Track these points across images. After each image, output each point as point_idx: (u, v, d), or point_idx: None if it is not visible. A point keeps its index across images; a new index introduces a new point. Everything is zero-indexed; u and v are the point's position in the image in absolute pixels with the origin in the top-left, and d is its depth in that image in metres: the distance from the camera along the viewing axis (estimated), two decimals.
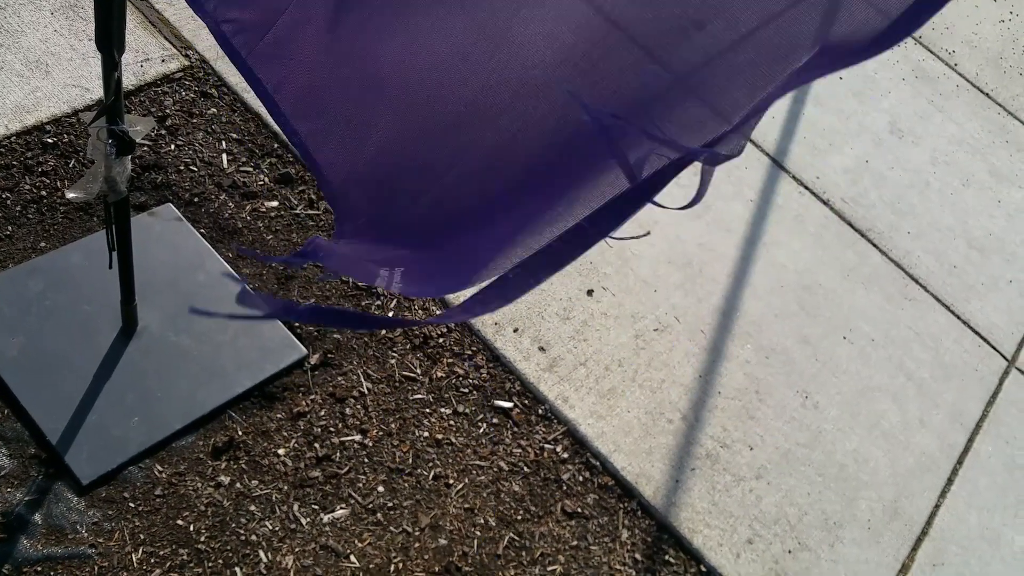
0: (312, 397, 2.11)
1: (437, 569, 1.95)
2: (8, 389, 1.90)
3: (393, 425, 2.13)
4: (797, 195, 3.11)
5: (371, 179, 1.13)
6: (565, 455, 2.21)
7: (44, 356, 1.96)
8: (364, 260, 1.08)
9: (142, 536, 1.82)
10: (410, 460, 2.09)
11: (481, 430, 2.19)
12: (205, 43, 2.69)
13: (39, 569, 1.73)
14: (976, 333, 2.93)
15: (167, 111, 2.51)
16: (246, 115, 2.59)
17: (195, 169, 2.42)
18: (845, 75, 3.60)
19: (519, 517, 2.08)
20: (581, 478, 2.19)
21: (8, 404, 1.90)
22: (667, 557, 2.13)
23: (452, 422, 2.18)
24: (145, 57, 2.59)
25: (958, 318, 2.95)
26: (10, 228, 2.16)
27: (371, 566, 1.92)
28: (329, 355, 2.19)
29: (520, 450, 2.19)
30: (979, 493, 2.54)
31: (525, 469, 2.16)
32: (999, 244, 3.26)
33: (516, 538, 2.05)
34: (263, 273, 2.29)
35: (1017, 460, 2.66)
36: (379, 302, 2.33)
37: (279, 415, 2.06)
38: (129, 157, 1.51)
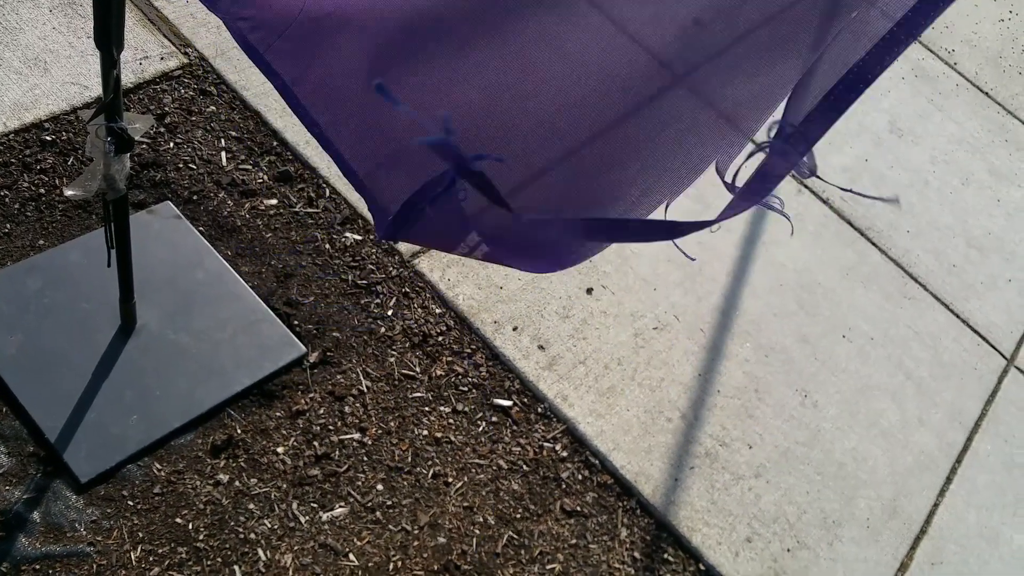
0: (311, 395, 2.11)
1: (436, 567, 1.95)
2: (6, 387, 1.90)
3: (392, 423, 2.13)
4: (796, 194, 3.11)
5: (407, 162, 1.14)
6: (564, 453, 2.21)
7: (43, 354, 1.95)
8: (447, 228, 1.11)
9: (141, 534, 1.82)
10: (409, 458, 2.09)
11: (480, 428, 2.19)
12: (204, 41, 2.69)
13: (37, 567, 1.72)
14: (975, 332, 2.93)
15: (166, 109, 2.50)
16: (245, 113, 2.58)
17: (194, 167, 2.42)
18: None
19: (518, 515, 2.08)
20: (580, 476, 2.19)
21: (6, 402, 1.89)
22: (666, 555, 2.13)
23: (451, 420, 2.18)
24: (144, 55, 2.59)
25: (957, 317, 2.95)
26: (8, 226, 2.15)
27: (370, 564, 1.91)
28: (328, 353, 2.19)
29: (519, 448, 2.19)
30: (978, 492, 2.54)
31: (524, 467, 2.16)
32: (998, 243, 3.26)
33: (515, 536, 2.05)
34: (262, 271, 2.29)
35: (1016, 459, 2.66)
36: (378, 300, 2.32)
37: (278, 413, 2.06)
38: (128, 155, 1.50)
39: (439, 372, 2.25)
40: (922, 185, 3.35)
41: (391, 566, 1.92)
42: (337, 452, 2.04)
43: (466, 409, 2.21)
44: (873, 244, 3.05)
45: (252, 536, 1.88)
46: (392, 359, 2.23)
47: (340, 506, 1.98)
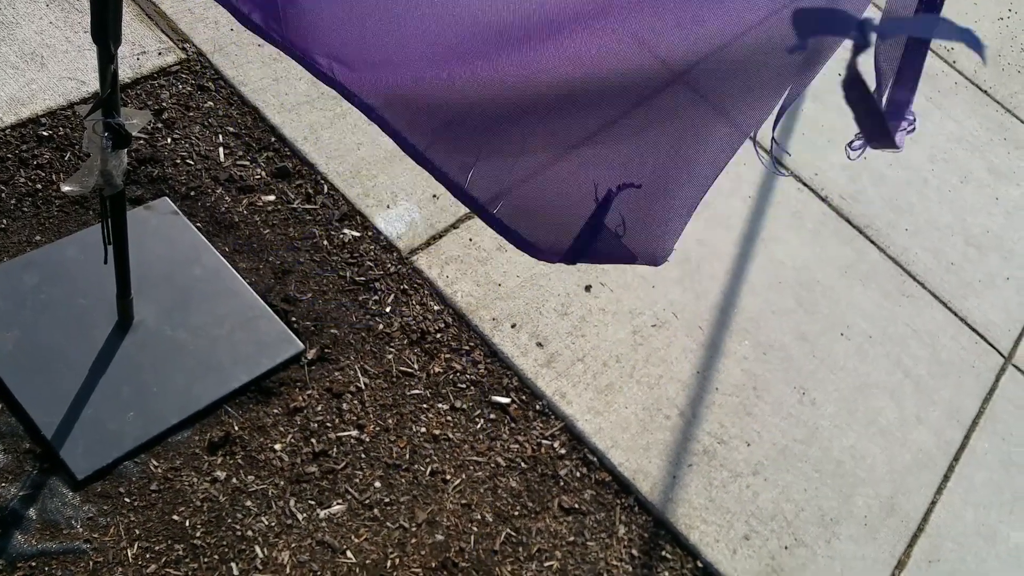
0: (309, 392, 2.10)
1: (434, 565, 1.95)
2: (3, 384, 1.89)
3: (390, 420, 2.12)
4: (795, 192, 3.10)
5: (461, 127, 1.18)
6: (562, 451, 2.21)
7: (39, 350, 1.95)
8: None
9: (137, 531, 1.81)
10: (407, 456, 2.08)
11: (478, 426, 2.18)
12: (202, 36, 2.68)
13: (33, 564, 1.72)
14: (973, 330, 2.93)
15: (163, 104, 2.49)
16: (243, 109, 2.57)
17: (191, 163, 2.41)
18: (843, 71, 3.59)
19: (516, 513, 2.08)
20: (578, 474, 2.19)
21: (3, 399, 1.89)
22: (664, 553, 2.13)
23: (449, 418, 2.17)
24: (141, 50, 2.58)
25: (955, 315, 2.95)
26: (5, 221, 2.14)
27: (368, 562, 1.91)
28: (326, 350, 2.18)
29: (517, 446, 2.18)
30: (975, 490, 2.54)
31: (522, 465, 2.16)
32: (997, 241, 3.26)
33: (513, 534, 2.05)
34: (259, 267, 2.28)
35: (1013, 457, 2.66)
36: (376, 297, 2.32)
37: (275, 410, 2.05)
38: (125, 150, 1.49)
39: (437, 369, 2.24)
40: (921, 183, 3.35)
41: (389, 563, 1.92)
42: (335, 449, 2.04)
43: (464, 406, 2.20)
44: (872, 242, 3.05)
45: (249, 533, 1.88)
46: (390, 356, 2.23)
47: (338, 503, 1.97)
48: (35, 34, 2.49)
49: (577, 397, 2.31)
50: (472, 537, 2.02)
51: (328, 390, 2.12)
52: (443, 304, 2.36)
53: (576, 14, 1.08)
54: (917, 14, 1.02)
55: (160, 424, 1.93)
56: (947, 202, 3.32)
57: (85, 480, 1.83)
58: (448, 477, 2.08)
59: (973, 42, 0.76)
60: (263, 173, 2.46)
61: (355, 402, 2.12)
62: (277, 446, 2.00)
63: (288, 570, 1.85)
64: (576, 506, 2.13)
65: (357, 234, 2.43)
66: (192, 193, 2.35)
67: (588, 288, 2.54)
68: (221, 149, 2.47)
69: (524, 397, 2.27)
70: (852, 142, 1.03)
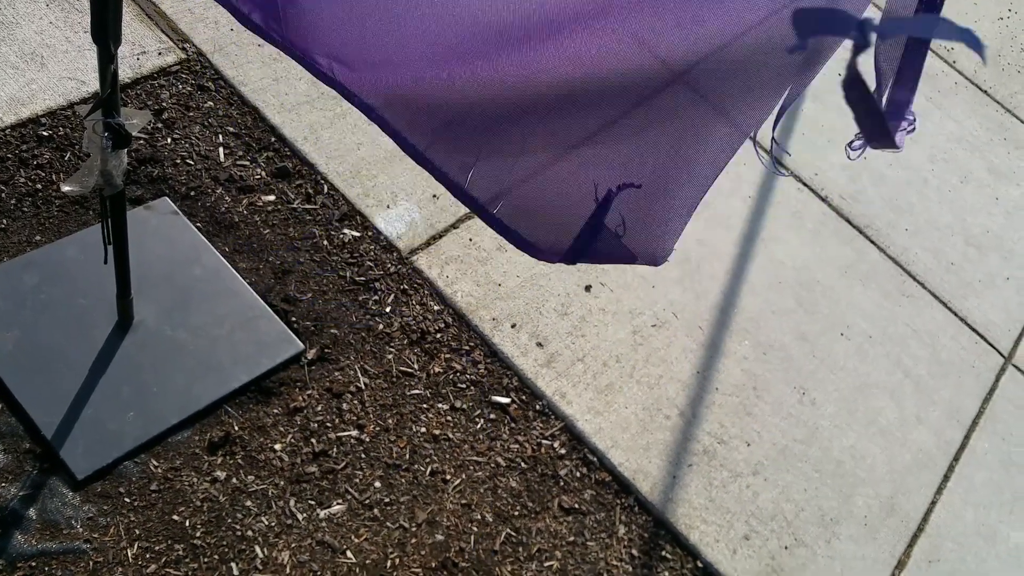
0: (309, 392, 2.10)
1: (434, 565, 1.95)
2: (3, 384, 1.89)
3: (390, 420, 2.12)
4: (795, 192, 3.10)
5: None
6: (562, 451, 2.21)
7: (39, 350, 1.95)
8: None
9: (137, 531, 1.81)
10: (407, 456, 2.08)
11: (478, 426, 2.18)
12: (202, 36, 2.68)
13: (33, 564, 1.72)
14: (973, 330, 2.93)
15: (164, 104, 2.49)
16: (243, 109, 2.57)
17: (191, 163, 2.41)
18: (843, 71, 3.59)
19: (516, 513, 2.08)
20: (578, 474, 2.19)
21: (3, 399, 1.89)
22: (664, 553, 2.13)
23: (449, 418, 2.17)
24: (142, 50, 2.58)
25: (955, 315, 2.95)
26: (5, 221, 2.14)
27: (368, 562, 1.91)
28: (326, 350, 2.18)
29: (517, 446, 2.18)
30: (975, 490, 2.54)
31: (522, 465, 2.16)
32: (997, 241, 3.26)
33: (513, 534, 2.05)
34: (259, 267, 2.28)
35: (1013, 457, 2.66)
36: (376, 297, 2.32)
37: (275, 410, 2.05)
38: (125, 150, 1.49)
39: (437, 369, 2.24)
40: (921, 183, 3.35)
41: (389, 563, 1.92)
42: (335, 449, 2.04)
43: (464, 406, 2.20)
44: (872, 242, 3.05)
45: (249, 533, 1.88)
46: (390, 356, 2.23)
47: (338, 503, 1.97)
48: (35, 34, 2.49)
49: (577, 397, 2.30)
50: (472, 537, 2.02)
51: (328, 390, 2.12)
52: (443, 304, 2.36)
53: (576, 14, 1.08)
54: (917, 14, 1.02)
55: (160, 424, 1.93)
56: (947, 202, 3.32)
57: (85, 480, 1.83)
58: (448, 477, 2.08)
59: (973, 42, 0.76)
60: (263, 173, 2.46)
61: (355, 402, 2.12)
62: (277, 446, 2.00)
63: (288, 570, 1.85)
64: (576, 506, 2.13)
65: (357, 234, 2.43)
66: (192, 193, 2.35)
67: (588, 288, 2.54)
68: (221, 149, 2.47)
69: (524, 397, 2.27)
70: (852, 142, 1.03)
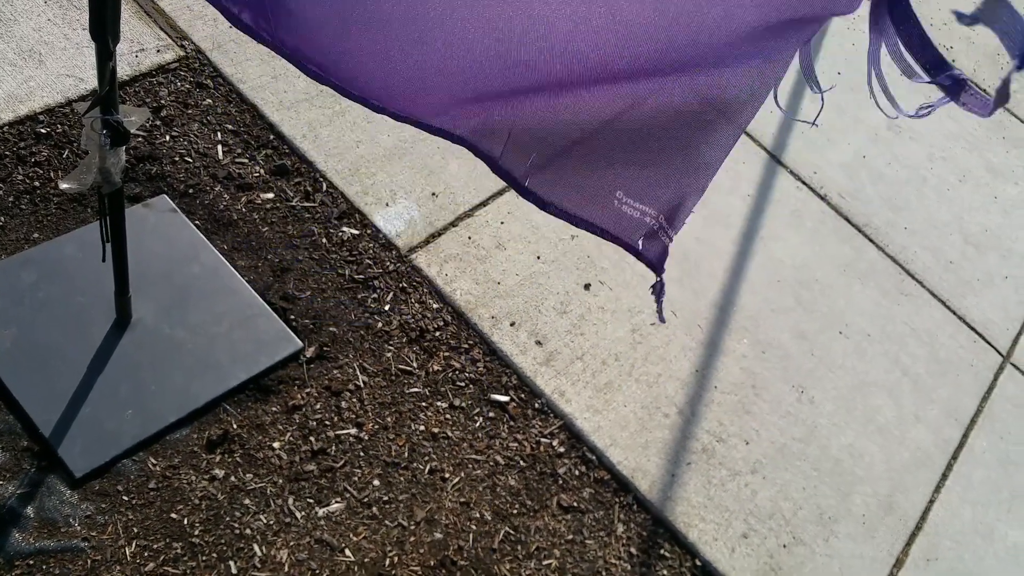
0: (307, 390, 2.10)
1: (432, 563, 1.95)
2: (0, 381, 1.89)
3: (389, 419, 2.12)
4: (795, 190, 3.10)
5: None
6: (561, 449, 2.21)
7: (37, 348, 1.94)
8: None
9: (135, 529, 1.81)
10: (406, 454, 2.08)
11: (477, 424, 2.18)
12: (201, 33, 2.67)
13: (31, 562, 1.72)
14: (972, 329, 2.94)
15: (162, 102, 2.49)
16: (242, 106, 2.57)
17: (190, 160, 2.41)
18: (843, 69, 3.60)
19: (515, 511, 2.08)
20: (577, 472, 2.19)
21: (0, 396, 1.88)
22: (662, 551, 2.13)
23: (448, 416, 2.17)
24: (140, 47, 2.57)
25: (954, 314, 2.95)
26: (3, 219, 2.14)
27: (366, 560, 1.91)
28: (325, 348, 2.18)
29: (516, 444, 2.18)
30: (973, 488, 2.54)
31: (521, 463, 2.16)
32: (995, 240, 3.26)
33: (512, 532, 2.05)
34: (258, 265, 2.28)
35: (1011, 455, 2.66)
36: (375, 295, 2.32)
37: (274, 408, 2.05)
38: (123, 148, 1.49)
39: (436, 367, 2.24)
40: (920, 182, 3.35)
41: (387, 561, 1.92)
42: (333, 447, 2.04)
43: (463, 404, 2.20)
44: (871, 240, 3.05)
45: (248, 531, 1.87)
46: (389, 354, 2.22)
47: (336, 501, 1.97)
48: (33, 31, 2.48)
49: (576, 395, 2.30)
50: (471, 535, 2.01)
51: (327, 388, 2.12)
52: (442, 302, 2.36)
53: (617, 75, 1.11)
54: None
55: (158, 422, 1.93)
56: (946, 200, 3.33)
57: (83, 478, 1.83)
58: (447, 475, 2.08)
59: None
60: (262, 171, 2.46)
61: (354, 400, 2.12)
62: (276, 444, 2.00)
63: (287, 568, 1.85)
64: (575, 504, 2.13)
65: (356, 232, 2.43)
66: (190, 191, 2.35)
67: (587, 287, 2.54)
68: (220, 147, 2.46)
69: (523, 395, 2.26)
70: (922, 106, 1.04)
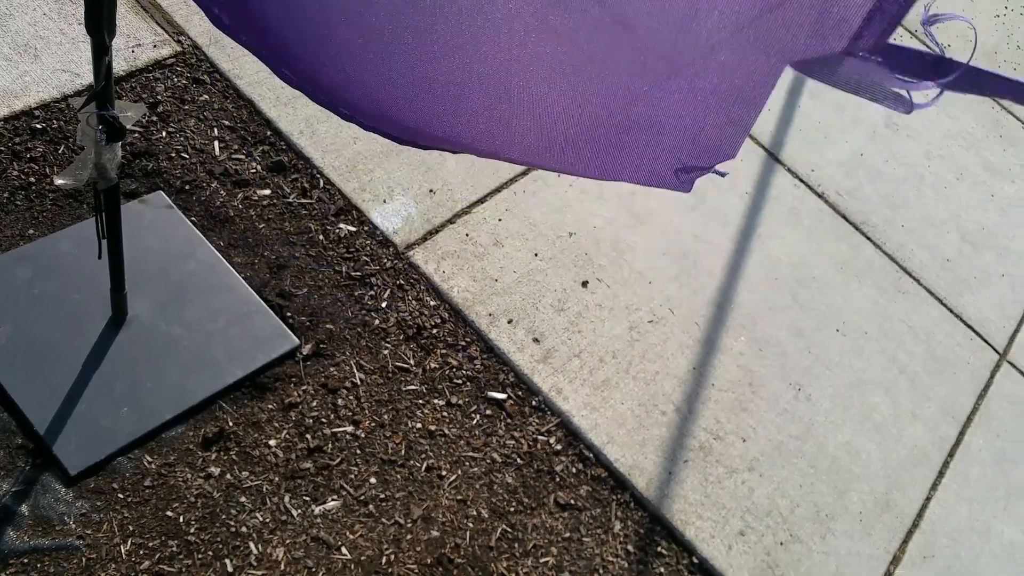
0: (304, 388, 2.09)
1: (429, 561, 1.94)
2: None
3: (386, 416, 2.12)
4: (792, 188, 3.10)
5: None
6: (558, 447, 2.20)
7: (32, 345, 1.93)
8: None
9: (131, 527, 1.80)
10: (403, 451, 2.08)
11: (474, 421, 2.18)
12: (198, 29, 2.66)
13: (26, 561, 1.71)
14: (968, 327, 2.94)
15: (158, 97, 2.48)
16: (239, 102, 2.56)
17: (186, 156, 2.40)
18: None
19: (512, 509, 2.08)
20: (574, 470, 2.18)
21: None
22: (659, 549, 2.13)
23: (445, 413, 2.17)
24: (136, 42, 2.56)
25: (951, 311, 2.96)
26: None
27: (363, 558, 1.91)
28: (321, 345, 2.17)
29: (513, 442, 2.18)
30: (970, 486, 2.55)
31: (518, 461, 2.15)
32: (992, 238, 3.27)
33: (509, 530, 2.05)
34: (255, 262, 2.27)
35: (1007, 453, 2.67)
36: (372, 292, 2.31)
37: (270, 406, 2.05)
38: (119, 144, 1.48)
39: (433, 365, 2.24)
40: (917, 180, 3.35)
41: (384, 559, 1.91)
42: (330, 445, 2.03)
43: (460, 402, 2.20)
44: (868, 238, 3.05)
45: (244, 529, 1.87)
46: (386, 351, 2.22)
47: (333, 499, 1.96)
48: (29, 25, 2.47)
49: (573, 393, 2.30)
50: (468, 533, 2.01)
51: (323, 386, 2.11)
52: (439, 299, 2.36)
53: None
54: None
55: (154, 419, 1.92)
56: (943, 199, 3.33)
57: (78, 476, 1.82)
58: (444, 473, 2.08)
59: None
60: (258, 167, 2.45)
61: (350, 398, 2.12)
62: (272, 442, 2.00)
63: (283, 566, 1.85)
64: (572, 502, 2.13)
65: (353, 229, 2.42)
66: (187, 187, 2.34)
67: (585, 284, 2.54)
68: (216, 143, 2.45)
69: (520, 393, 2.26)
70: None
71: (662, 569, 2.10)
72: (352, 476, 2.01)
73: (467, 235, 2.52)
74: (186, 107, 2.49)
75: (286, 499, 1.93)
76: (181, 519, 1.84)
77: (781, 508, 2.29)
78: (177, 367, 2.00)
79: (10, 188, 2.18)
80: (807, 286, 2.81)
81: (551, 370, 2.32)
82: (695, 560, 2.14)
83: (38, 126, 2.29)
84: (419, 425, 2.13)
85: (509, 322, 2.38)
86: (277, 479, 1.95)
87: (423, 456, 2.09)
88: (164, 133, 2.41)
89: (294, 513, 1.92)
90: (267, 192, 2.41)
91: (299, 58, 1.19)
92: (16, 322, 1.95)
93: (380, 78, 1.18)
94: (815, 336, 2.69)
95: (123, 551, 1.77)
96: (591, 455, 2.22)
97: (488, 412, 2.21)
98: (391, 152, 2.62)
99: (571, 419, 2.25)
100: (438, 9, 1.09)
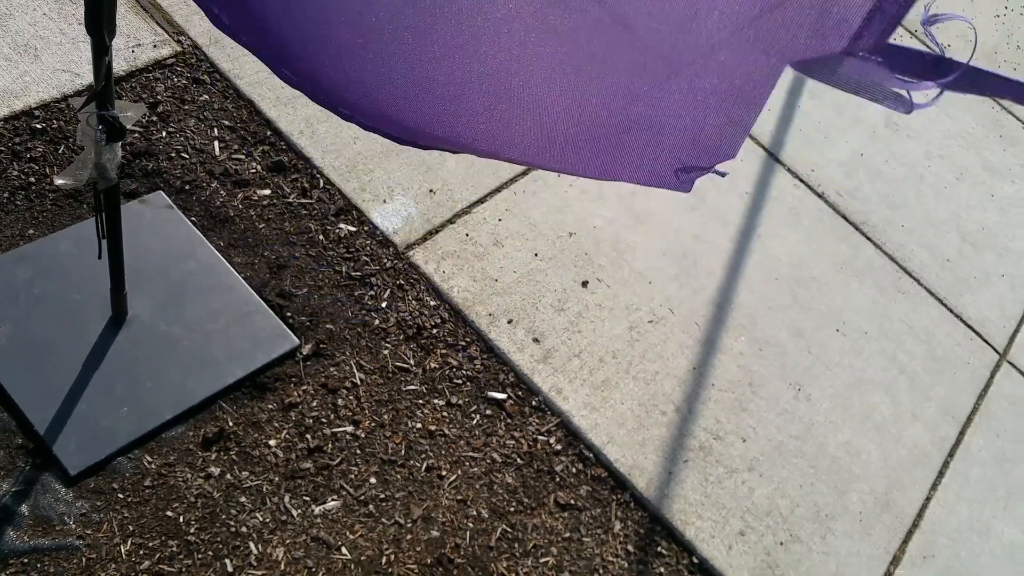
0: (304, 388, 2.09)
1: (429, 561, 1.94)
2: None
3: (386, 416, 2.12)
4: (792, 188, 3.10)
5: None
6: (558, 447, 2.20)
7: (32, 345, 1.93)
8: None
9: (131, 527, 1.80)
10: (403, 451, 2.08)
11: (474, 421, 2.18)
12: (198, 28, 2.66)
13: (26, 561, 1.71)
14: (968, 327, 2.94)
15: (158, 97, 2.48)
16: (239, 102, 2.56)
17: (186, 156, 2.40)
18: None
19: (512, 509, 2.08)
20: (574, 470, 2.18)
21: None
22: (659, 549, 2.13)
23: (445, 413, 2.17)
24: (136, 42, 2.56)
25: (951, 311, 2.96)
26: None
27: (363, 558, 1.91)
28: (321, 345, 2.17)
29: (513, 442, 2.18)
30: (969, 486, 2.55)
31: (518, 461, 2.15)
32: (992, 238, 3.27)
33: (509, 530, 2.05)
34: (255, 262, 2.27)
35: (1007, 453, 2.67)
36: (372, 292, 2.31)
37: (270, 406, 2.05)
38: (119, 143, 1.48)
39: (433, 365, 2.24)
40: (917, 180, 3.35)
41: (384, 559, 1.92)
42: (330, 445, 2.03)
43: (460, 402, 2.20)
44: (868, 238, 3.05)
45: (244, 529, 1.87)
46: (386, 351, 2.22)
47: (333, 499, 1.96)
48: (29, 25, 2.47)
49: (573, 393, 2.30)
50: (468, 533, 2.01)
51: (323, 386, 2.11)
52: (439, 299, 2.36)
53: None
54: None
55: (154, 419, 1.92)
56: (943, 198, 3.33)
57: (78, 476, 1.82)
58: (444, 473, 2.08)
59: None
60: (258, 167, 2.45)
61: (350, 398, 2.12)
62: (272, 442, 2.00)
63: (283, 566, 1.85)
64: (572, 502, 2.13)
65: (353, 229, 2.42)
66: (187, 187, 2.34)
67: (585, 284, 2.54)
68: (216, 143, 2.45)
69: (520, 393, 2.26)
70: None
71: (662, 569, 2.10)
72: (352, 476, 2.01)
73: (467, 235, 2.52)
74: (186, 107, 2.49)
75: (286, 499, 1.93)
76: (181, 519, 1.84)
77: (781, 508, 2.29)
78: (177, 367, 2.00)
79: (10, 188, 2.18)
80: (807, 286, 2.81)
81: (551, 370, 2.32)
82: (695, 560, 2.14)
83: (38, 126, 2.29)
84: (419, 425, 2.13)
85: (509, 322, 2.38)
86: (277, 479, 1.95)
87: (423, 456, 2.09)
88: (164, 133, 2.41)
89: (294, 513, 1.92)
90: (267, 192, 2.41)
91: (299, 58, 1.19)
92: (16, 322, 1.95)
93: (380, 78, 1.18)
94: (815, 336, 2.69)
95: (123, 551, 1.77)
96: (591, 455, 2.22)
97: (488, 412, 2.21)
98: (391, 152, 2.62)
99: (571, 419, 2.26)
100: (438, 9, 1.09)
